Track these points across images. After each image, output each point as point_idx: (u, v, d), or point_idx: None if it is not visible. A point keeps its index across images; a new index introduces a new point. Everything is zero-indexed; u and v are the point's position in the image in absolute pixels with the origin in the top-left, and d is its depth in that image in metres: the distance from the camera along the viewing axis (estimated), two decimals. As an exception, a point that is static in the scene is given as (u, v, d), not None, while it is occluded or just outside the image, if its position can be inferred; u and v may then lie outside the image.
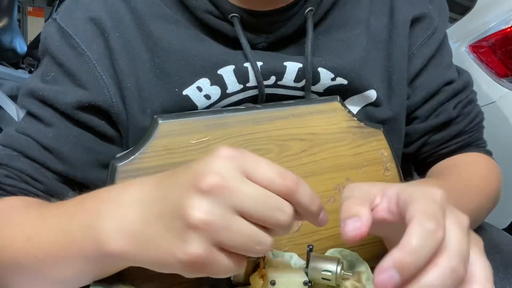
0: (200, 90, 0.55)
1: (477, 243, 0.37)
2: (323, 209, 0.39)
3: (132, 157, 0.48)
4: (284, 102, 0.56)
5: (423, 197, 0.35)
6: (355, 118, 0.55)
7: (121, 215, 0.39)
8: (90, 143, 0.55)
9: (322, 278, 0.43)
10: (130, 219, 0.38)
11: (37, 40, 2.90)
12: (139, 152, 0.48)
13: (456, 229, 0.34)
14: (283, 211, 0.35)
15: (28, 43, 2.91)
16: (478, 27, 1.44)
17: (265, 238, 0.36)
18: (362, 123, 0.55)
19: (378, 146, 0.55)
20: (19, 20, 3.11)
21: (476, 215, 0.58)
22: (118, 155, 0.51)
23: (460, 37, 1.48)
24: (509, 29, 1.35)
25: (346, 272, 0.45)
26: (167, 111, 0.54)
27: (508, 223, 1.37)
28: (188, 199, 0.34)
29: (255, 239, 0.35)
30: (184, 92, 0.55)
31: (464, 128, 0.65)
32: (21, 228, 0.46)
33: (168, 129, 0.49)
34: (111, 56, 0.55)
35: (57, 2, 3.03)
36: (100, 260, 0.41)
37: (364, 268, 0.47)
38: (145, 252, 0.38)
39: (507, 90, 1.37)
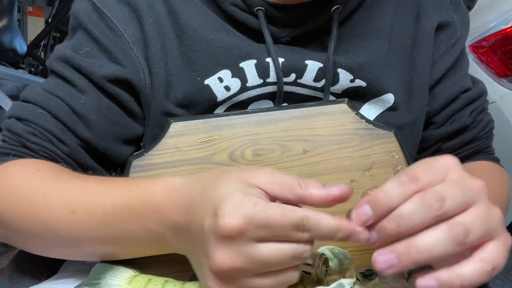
0: (221, 81, 0.56)
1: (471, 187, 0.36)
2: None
3: (145, 153, 0.52)
4: (291, 105, 0.57)
5: None
6: (364, 120, 0.54)
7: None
8: (117, 116, 0.57)
9: (303, 271, 0.43)
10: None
11: (37, 40, 2.90)
12: (151, 150, 0.52)
13: (436, 179, 0.35)
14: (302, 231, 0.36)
15: (28, 43, 2.91)
16: (478, 27, 1.44)
17: (299, 249, 0.36)
18: (371, 125, 0.54)
19: (388, 149, 0.54)
20: (19, 20, 3.10)
21: None
22: (134, 153, 0.54)
23: (460, 37, 1.48)
24: (509, 29, 1.35)
25: (330, 268, 0.45)
26: (188, 99, 0.56)
27: (508, 223, 1.37)
28: (211, 251, 0.36)
29: (287, 255, 0.36)
30: (206, 82, 0.56)
31: (476, 135, 0.65)
32: (59, 197, 0.46)
33: (178, 129, 0.52)
34: (145, 40, 0.56)
35: (57, 2, 3.03)
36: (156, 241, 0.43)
37: (349, 264, 0.47)
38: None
39: (507, 90, 1.37)
